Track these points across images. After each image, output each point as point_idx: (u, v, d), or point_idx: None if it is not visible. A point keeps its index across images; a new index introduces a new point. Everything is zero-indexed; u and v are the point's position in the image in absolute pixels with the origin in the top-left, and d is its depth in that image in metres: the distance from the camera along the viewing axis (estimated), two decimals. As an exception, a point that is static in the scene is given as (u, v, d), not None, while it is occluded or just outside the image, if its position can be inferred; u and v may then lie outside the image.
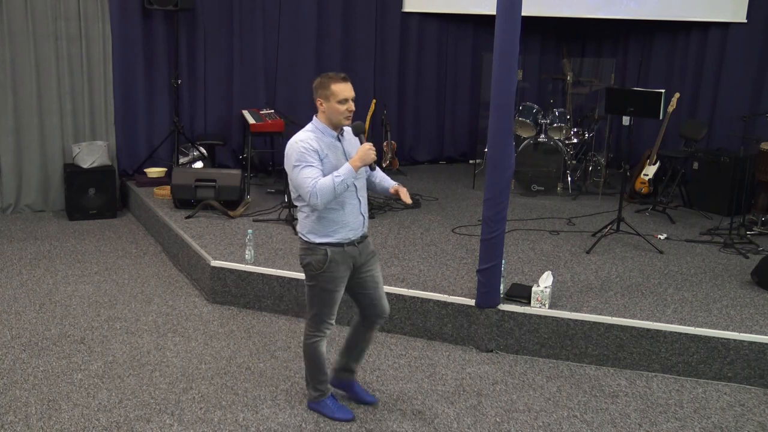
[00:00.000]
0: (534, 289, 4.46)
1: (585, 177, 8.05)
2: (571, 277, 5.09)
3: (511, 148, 4.25)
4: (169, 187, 6.73)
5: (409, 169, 8.75)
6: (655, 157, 7.24)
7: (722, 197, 6.88)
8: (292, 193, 3.46)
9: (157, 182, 7.38)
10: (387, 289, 4.69)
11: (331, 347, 4.55)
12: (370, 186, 3.63)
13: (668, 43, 8.67)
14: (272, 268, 5.04)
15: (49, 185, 7.42)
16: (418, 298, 4.63)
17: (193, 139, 7.87)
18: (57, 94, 7.29)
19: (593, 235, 6.04)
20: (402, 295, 4.66)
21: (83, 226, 6.97)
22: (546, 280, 4.53)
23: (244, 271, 5.06)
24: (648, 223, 6.62)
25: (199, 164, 7.58)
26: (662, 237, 6.15)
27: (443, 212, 6.81)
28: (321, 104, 3.37)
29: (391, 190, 3.54)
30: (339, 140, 3.44)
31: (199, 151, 7.70)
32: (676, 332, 4.25)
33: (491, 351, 4.51)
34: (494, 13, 4.06)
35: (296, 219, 6.12)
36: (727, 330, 4.24)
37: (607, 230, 5.96)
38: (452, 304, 4.56)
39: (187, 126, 7.98)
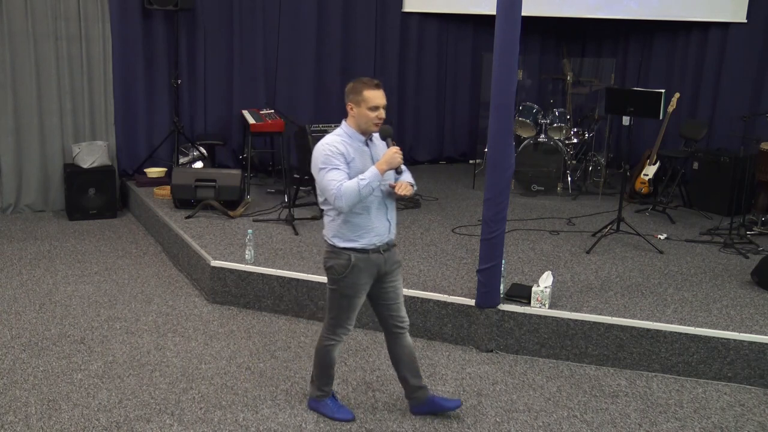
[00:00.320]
0: (534, 289, 4.46)
1: (585, 177, 8.05)
2: (571, 277, 5.09)
3: (511, 148, 4.25)
4: (169, 187, 6.73)
5: (409, 169, 8.70)
6: (655, 157, 7.24)
7: (722, 197, 6.87)
8: (318, 197, 3.44)
9: (157, 182, 7.38)
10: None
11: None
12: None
13: (668, 43, 8.67)
14: (272, 268, 5.03)
15: (49, 185, 7.43)
16: (418, 298, 4.62)
17: (193, 139, 7.87)
18: (57, 94, 7.29)
19: (593, 235, 6.03)
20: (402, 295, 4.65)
21: (83, 226, 6.97)
22: (546, 280, 4.53)
23: (244, 271, 5.06)
24: (648, 223, 6.62)
25: (199, 164, 7.57)
26: (662, 237, 6.15)
27: (443, 212, 6.81)
28: (351, 109, 3.35)
29: (390, 185, 3.44)
30: (367, 145, 3.41)
31: (199, 151, 7.70)
32: (676, 332, 4.25)
33: (491, 351, 4.51)
34: (494, 13, 4.06)
35: (296, 219, 6.13)
36: (727, 330, 4.24)
37: (607, 230, 5.96)
38: (452, 304, 4.56)
39: (187, 126, 7.98)
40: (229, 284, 5.10)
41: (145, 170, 7.57)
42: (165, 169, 7.55)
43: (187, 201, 6.55)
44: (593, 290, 4.84)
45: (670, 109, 7.02)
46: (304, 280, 4.91)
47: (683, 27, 8.41)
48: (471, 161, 9.23)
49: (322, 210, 3.47)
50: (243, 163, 7.70)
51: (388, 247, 3.49)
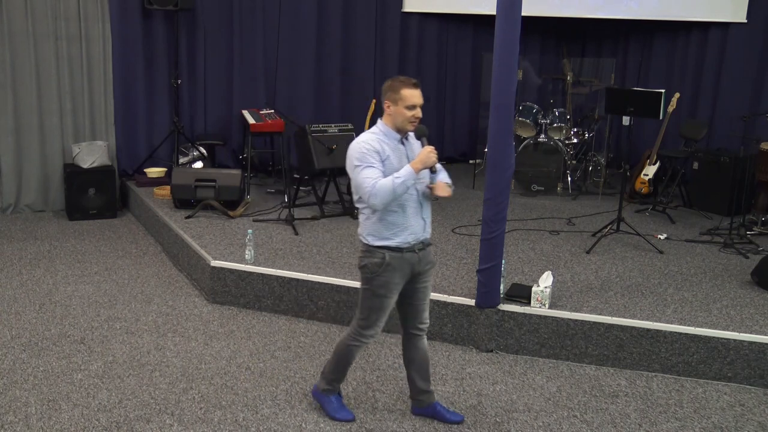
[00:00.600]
0: (534, 289, 4.46)
1: (585, 177, 8.05)
2: (571, 277, 5.09)
3: (511, 148, 4.25)
4: (169, 187, 6.73)
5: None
6: (655, 157, 7.24)
7: (722, 197, 6.87)
8: (353, 195, 3.44)
9: (157, 182, 7.38)
10: (387, 289, 4.70)
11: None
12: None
13: (668, 43, 8.67)
14: (272, 268, 5.04)
15: (49, 185, 7.43)
16: (418, 298, 4.62)
17: (193, 139, 7.87)
18: (57, 94, 7.29)
19: (593, 235, 6.03)
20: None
21: (83, 226, 6.97)
22: (546, 280, 4.53)
23: (244, 271, 5.06)
24: (648, 223, 6.62)
25: (199, 164, 7.58)
26: (662, 237, 6.15)
27: (443, 212, 6.81)
28: (388, 107, 3.34)
29: (427, 187, 3.47)
30: (402, 144, 3.41)
31: (199, 151, 7.70)
32: (676, 332, 4.25)
33: (491, 351, 4.51)
34: (494, 13, 4.06)
35: (296, 219, 6.13)
36: (727, 330, 4.24)
37: (607, 230, 5.96)
38: (452, 304, 4.56)
39: (187, 126, 7.98)
40: (229, 284, 5.10)
41: (145, 170, 7.57)
42: (165, 169, 7.55)
43: (187, 201, 6.55)
44: (593, 290, 4.84)
45: (670, 109, 7.02)
46: (304, 280, 4.91)
47: (683, 27, 8.41)
48: (471, 161, 9.23)
49: (357, 208, 3.45)
50: (243, 163, 7.70)
51: (423, 246, 3.47)
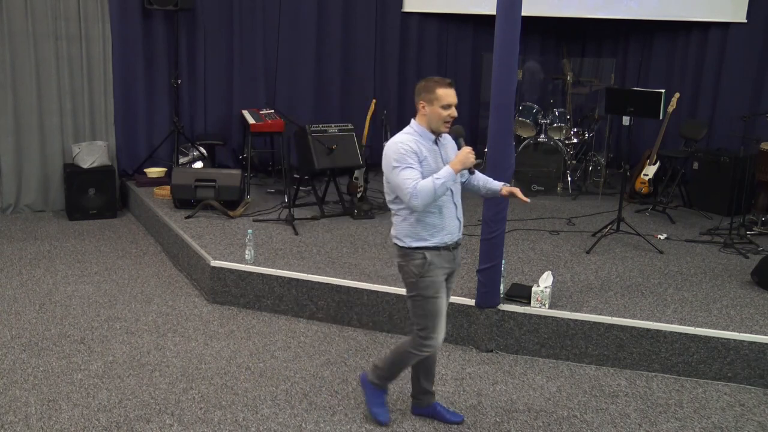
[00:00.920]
0: (534, 289, 4.46)
1: (585, 177, 8.05)
2: (571, 277, 5.09)
3: (511, 148, 4.25)
4: (169, 187, 6.73)
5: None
6: (655, 157, 7.24)
7: (722, 197, 6.88)
8: (386, 196, 3.40)
9: (157, 182, 7.38)
10: (387, 288, 4.72)
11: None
12: (474, 190, 3.56)
13: (668, 43, 8.67)
14: (272, 268, 5.04)
15: (49, 185, 7.42)
16: (418, 298, 4.62)
17: (193, 139, 7.87)
18: (57, 94, 7.29)
19: (593, 235, 6.04)
20: (402, 295, 4.65)
21: (83, 226, 6.97)
22: (546, 280, 4.53)
23: (244, 271, 5.06)
24: (648, 223, 6.62)
25: (199, 164, 7.58)
26: (662, 237, 6.15)
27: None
28: (423, 107, 3.31)
29: (503, 191, 3.47)
30: (437, 144, 3.38)
31: (199, 151, 7.70)
32: (676, 332, 4.25)
33: (491, 351, 4.51)
34: (494, 13, 4.06)
35: (296, 219, 6.13)
36: (727, 330, 4.24)
37: (607, 230, 5.96)
38: (452, 304, 4.54)
39: (187, 126, 7.98)
40: (229, 284, 5.10)
41: (145, 170, 7.57)
42: (165, 169, 7.55)
43: (187, 201, 6.55)
44: (593, 290, 4.84)
45: (670, 109, 7.02)
46: (304, 280, 4.91)
47: (683, 27, 8.41)
48: (471, 161, 9.21)
49: (390, 210, 3.41)
50: (243, 163, 7.70)
51: (456, 245, 3.46)
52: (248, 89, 8.17)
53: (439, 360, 4.36)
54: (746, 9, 7.86)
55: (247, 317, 4.94)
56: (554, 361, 4.42)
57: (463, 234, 3.54)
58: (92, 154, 7.16)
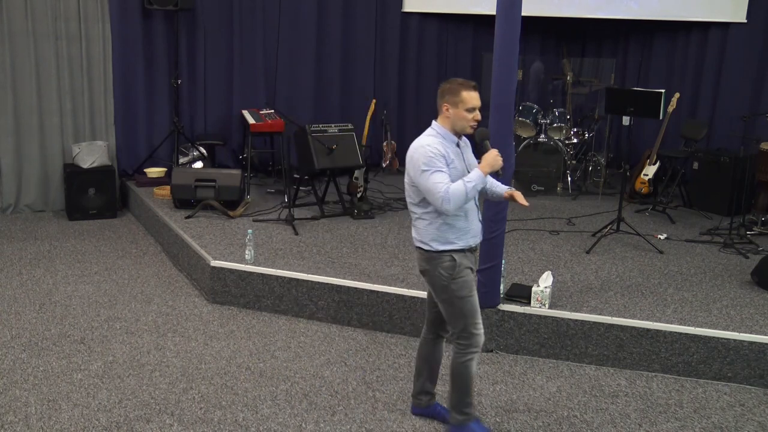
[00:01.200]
0: (534, 289, 4.46)
1: (585, 177, 8.05)
2: (571, 277, 5.09)
3: (511, 148, 4.25)
4: (169, 187, 6.73)
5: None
6: (655, 157, 7.24)
7: (722, 197, 6.88)
8: (410, 199, 3.36)
9: (157, 182, 7.38)
10: (387, 288, 4.71)
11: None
12: (481, 192, 3.54)
13: (668, 43, 8.67)
14: (272, 268, 5.04)
15: (49, 185, 7.42)
16: (418, 298, 4.62)
17: (193, 139, 7.87)
18: (57, 94, 7.29)
19: (593, 235, 6.03)
20: (402, 295, 4.66)
21: (83, 226, 6.97)
22: (546, 280, 4.53)
23: (244, 271, 5.06)
24: (648, 223, 6.62)
25: (199, 164, 7.58)
26: (662, 237, 6.15)
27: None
28: (447, 109, 3.28)
29: (505, 195, 3.49)
30: (458, 146, 3.36)
31: (199, 151, 7.70)
32: (676, 332, 4.25)
33: (491, 351, 4.50)
34: (494, 13, 4.06)
35: (296, 219, 6.13)
36: (727, 330, 4.24)
37: (607, 230, 5.96)
38: (452, 304, 4.55)
39: (187, 126, 7.98)
40: (229, 284, 5.10)
41: (145, 170, 7.57)
42: (165, 169, 7.55)
43: (187, 201, 6.55)
44: (593, 290, 4.84)
45: (670, 109, 7.02)
46: (304, 280, 4.91)
47: (683, 27, 8.41)
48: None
49: (412, 213, 3.36)
50: (243, 163, 7.70)
51: (477, 248, 3.46)
52: (248, 89, 8.17)
53: (439, 360, 4.36)
54: (746, 9, 7.86)
55: (247, 317, 4.94)
56: (554, 361, 4.42)
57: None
58: (92, 154, 7.16)
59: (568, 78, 8.39)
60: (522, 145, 7.61)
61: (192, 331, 4.68)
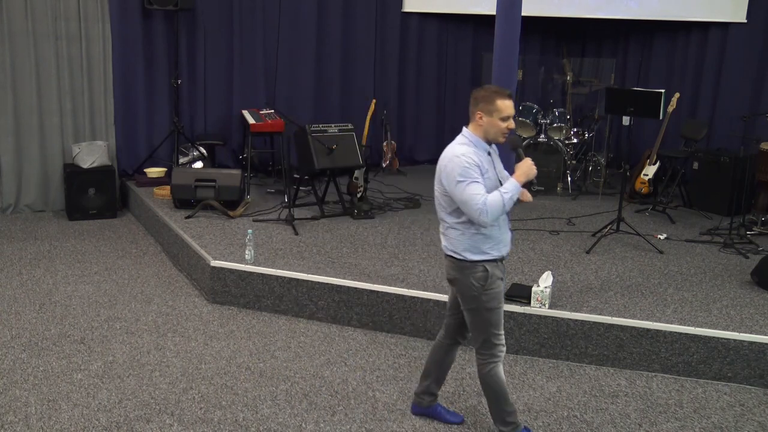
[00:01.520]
0: (534, 289, 4.46)
1: (585, 177, 8.05)
2: (571, 277, 5.09)
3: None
4: (169, 187, 6.73)
5: (409, 169, 8.74)
6: (655, 157, 7.24)
7: (722, 197, 6.88)
8: (441, 208, 3.31)
9: (157, 182, 7.38)
10: (387, 288, 4.71)
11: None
12: None
13: (668, 43, 8.67)
14: (272, 268, 5.03)
15: (49, 185, 7.42)
16: (418, 298, 4.62)
17: (193, 139, 7.87)
18: (57, 94, 7.29)
19: (593, 235, 6.03)
20: (402, 295, 4.66)
21: (83, 226, 6.97)
22: (546, 280, 4.53)
23: (244, 271, 5.06)
24: (648, 223, 6.62)
25: (199, 164, 7.58)
26: (662, 237, 6.15)
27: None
28: (481, 117, 3.21)
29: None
30: (489, 154, 3.32)
31: (199, 151, 7.70)
32: (676, 332, 4.25)
33: (491, 351, 4.50)
34: (494, 13, 4.07)
35: (296, 219, 6.13)
36: (727, 330, 4.24)
37: (607, 230, 5.96)
38: (452, 304, 4.56)
39: (187, 126, 7.98)
40: (229, 284, 5.10)
41: (145, 170, 7.57)
42: (165, 169, 7.55)
43: (187, 201, 6.55)
44: (593, 290, 4.84)
45: (670, 109, 7.02)
46: (304, 280, 4.91)
47: (683, 27, 8.41)
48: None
49: (443, 221, 3.33)
50: (243, 163, 7.70)
51: (507, 257, 3.43)
52: (248, 89, 8.17)
53: (439, 360, 4.36)
54: (746, 9, 7.86)
55: (247, 317, 4.94)
56: (554, 361, 4.42)
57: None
58: (92, 154, 7.16)
59: (568, 78, 8.39)
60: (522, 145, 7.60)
61: (192, 331, 4.68)
